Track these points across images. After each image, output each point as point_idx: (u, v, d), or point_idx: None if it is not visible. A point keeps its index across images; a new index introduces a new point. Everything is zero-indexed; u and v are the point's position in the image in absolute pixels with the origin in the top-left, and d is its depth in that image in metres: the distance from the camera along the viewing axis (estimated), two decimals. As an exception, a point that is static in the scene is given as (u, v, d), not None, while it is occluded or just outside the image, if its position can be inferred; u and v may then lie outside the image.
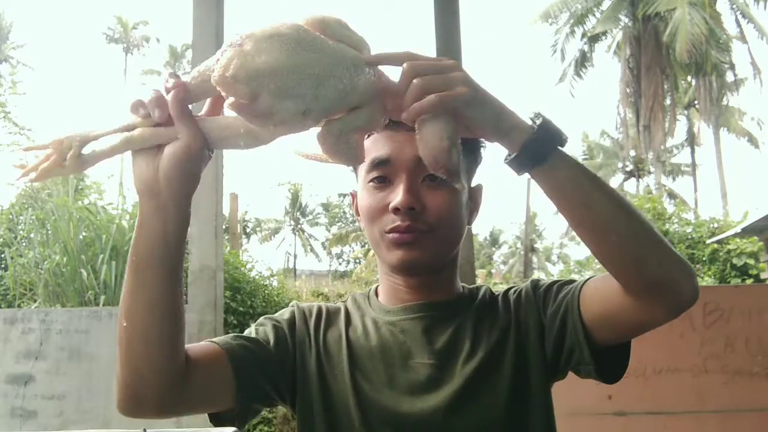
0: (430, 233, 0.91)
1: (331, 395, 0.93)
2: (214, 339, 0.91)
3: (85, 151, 0.74)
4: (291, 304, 1.05)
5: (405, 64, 0.72)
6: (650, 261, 0.77)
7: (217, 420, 0.91)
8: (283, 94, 0.65)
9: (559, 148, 0.77)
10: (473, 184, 1.00)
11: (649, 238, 0.78)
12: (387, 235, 0.93)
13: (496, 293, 1.02)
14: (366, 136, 0.88)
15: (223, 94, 0.66)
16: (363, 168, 0.96)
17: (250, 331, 0.96)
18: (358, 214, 1.01)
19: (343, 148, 0.72)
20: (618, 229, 0.77)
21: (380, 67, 0.75)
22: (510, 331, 0.94)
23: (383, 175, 0.93)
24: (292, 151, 0.92)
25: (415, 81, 0.70)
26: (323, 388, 0.93)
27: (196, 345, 0.87)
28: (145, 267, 0.75)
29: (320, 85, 0.67)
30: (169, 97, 0.72)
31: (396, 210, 0.90)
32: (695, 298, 0.80)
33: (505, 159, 0.78)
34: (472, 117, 0.73)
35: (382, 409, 0.90)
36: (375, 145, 0.94)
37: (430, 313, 0.96)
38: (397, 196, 0.91)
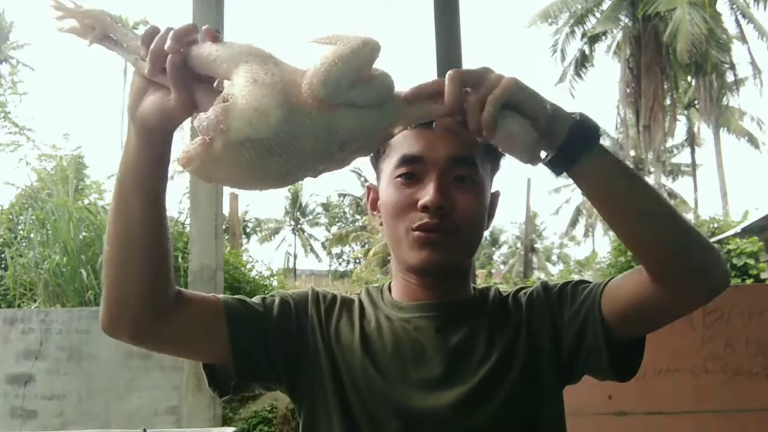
0: (455, 234, 0.91)
1: (342, 385, 0.93)
2: (218, 294, 0.93)
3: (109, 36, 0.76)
4: (308, 287, 1.05)
5: (447, 76, 0.72)
6: (691, 248, 0.78)
7: (212, 376, 0.92)
8: (244, 190, 0.69)
9: (591, 147, 0.77)
10: (493, 190, 1.01)
11: (685, 226, 0.79)
12: (413, 233, 0.92)
13: (505, 293, 1.02)
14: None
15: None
16: (390, 163, 0.96)
17: (257, 300, 0.97)
18: (373, 209, 1.01)
19: (347, 161, 0.73)
20: (662, 220, 0.78)
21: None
22: (521, 334, 0.94)
23: (412, 171, 0.93)
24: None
25: (464, 89, 0.72)
26: (335, 377, 0.93)
27: (197, 291, 0.91)
28: (124, 188, 0.78)
29: (288, 176, 0.68)
30: (168, 61, 0.71)
31: (425, 208, 0.90)
32: (728, 282, 0.82)
33: (550, 159, 0.77)
34: (526, 105, 0.73)
35: (394, 402, 0.90)
36: (406, 141, 0.93)
37: (443, 312, 0.96)
38: (427, 194, 0.90)
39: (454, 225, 0.91)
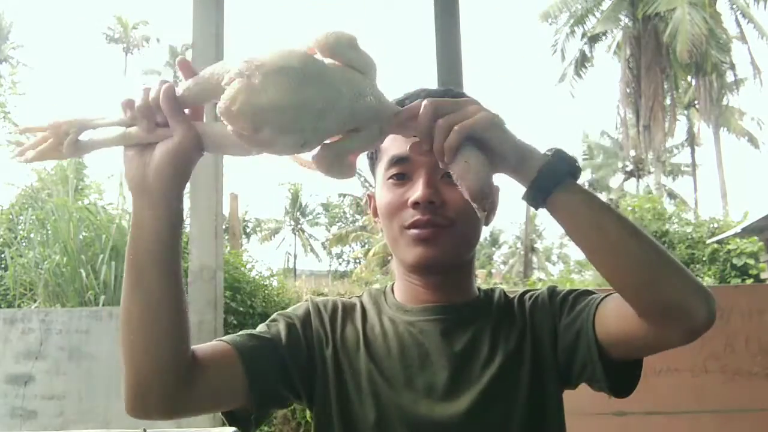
0: (449, 228, 0.92)
1: (347, 392, 0.92)
2: (224, 338, 0.90)
3: (83, 137, 0.75)
4: (305, 298, 1.04)
5: (425, 101, 0.75)
6: (662, 284, 0.77)
7: (232, 419, 0.90)
8: (284, 130, 0.67)
9: (572, 176, 0.79)
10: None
11: (661, 261, 0.78)
12: (407, 231, 0.93)
13: (511, 295, 1.02)
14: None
15: (225, 124, 0.68)
16: (382, 166, 0.97)
17: (262, 329, 0.95)
18: (375, 215, 1.01)
19: (336, 168, 0.75)
20: (630, 252, 0.78)
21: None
22: (526, 338, 0.94)
23: (402, 172, 0.94)
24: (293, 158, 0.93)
25: (435, 118, 0.74)
26: (339, 385, 0.93)
27: (205, 345, 0.87)
28: (141, 265, 0.76)
29: (320, 119, 0.69)
30: (160, 96, 0.73)
31: (416, 204, 0.91)
32: (710, 323, 0.79)
33: (524, 195, 0.80)
34: (496, 141, 0.76)
35: (400, 409, 0.90)
36: (394, 143, 0.95)
37: (448, 316, 0.96)
38: (417, 190, 0.91)
39: (446, 219, 0.91)
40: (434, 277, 0.96)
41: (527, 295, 1.00)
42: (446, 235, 0.92)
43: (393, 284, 1.05)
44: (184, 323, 0.79)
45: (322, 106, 0.68)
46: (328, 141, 0.74)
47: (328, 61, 0.72)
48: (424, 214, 0.91)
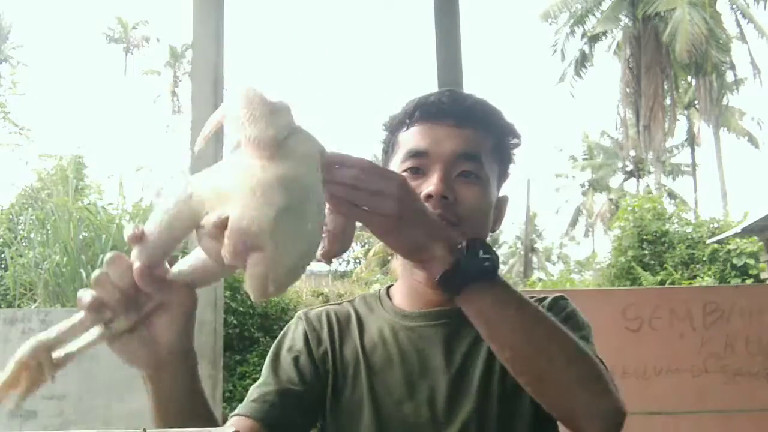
0: (458, 226, 0.91)
1: (348, 407, 0.92)
2: (240, 411, 0.89)
3: (57, 354, 0.66)
4: (297, 315, 1.02)
5: (363, 167, 0.72)
6: (557, 398, 0.78)
7: None
8: (290, 274, 0.62)
9: (485, 274, 0.77)
10: (500, 194, 1.02)
11: (565, 378, 0.77)
12: None
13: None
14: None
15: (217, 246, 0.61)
16: (397, 159, 0.97)
17: (269, 378, 0.94)
18: None
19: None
20: (531, 365, 0.77)
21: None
22: None
23: (418, 166, 0.94)
24: None
25: (355, 178, 0.71)
26: (340, 400, 0.93)
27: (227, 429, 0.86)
28: (174, 412, 0.73)
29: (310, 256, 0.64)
30: (138, 281, 0.65)
31: (428, 197, 0.90)
32: (617, 424, 0.80)
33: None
34: (387, 241, 0.75)
35: (402, 420, 0.90)
36: (413, 137, 0.96)
37: (450, 320, 0.95)
38: (431, 184, 0.91)
39: (456, 217, 0.91)
40: None
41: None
42: None
43: (388, 287, 1.04)
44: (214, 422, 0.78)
45: (319, 219, 0.65)
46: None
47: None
48: (435, 207, 0.90)
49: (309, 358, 0.95)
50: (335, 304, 1.05)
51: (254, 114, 0.63)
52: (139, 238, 0.64)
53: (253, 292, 0.61)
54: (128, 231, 0.65)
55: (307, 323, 1.00)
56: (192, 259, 0.69)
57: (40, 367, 0.65)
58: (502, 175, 1.01)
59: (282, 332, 1.01)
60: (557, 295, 1.01)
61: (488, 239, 0.97)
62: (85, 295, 0.65)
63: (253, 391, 0.92)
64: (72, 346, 0.66)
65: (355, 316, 1.00)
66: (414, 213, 0.74)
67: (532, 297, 1.00)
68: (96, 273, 0.66)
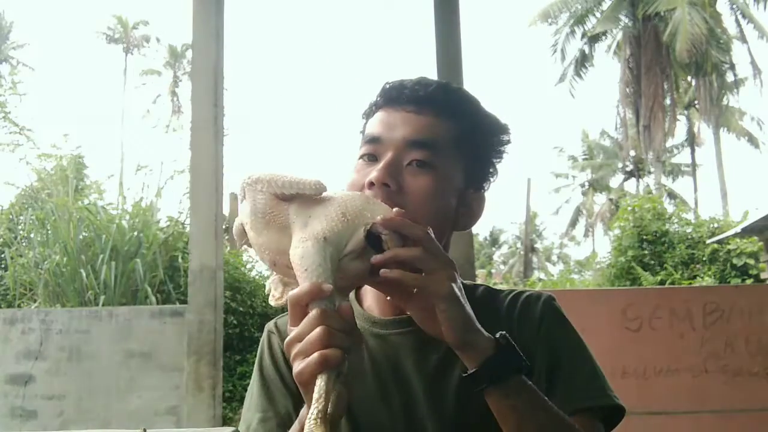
0: None
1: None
2: None
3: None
4: (267, 327, 0.99)
5: (421, 233, 0.73)
6: None
7: None
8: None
9: (517, 374, 0.76)
10: (476, 191, 0.95)
11: None
12: None
13: (501, 293, 0.97)
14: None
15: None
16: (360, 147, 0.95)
17: (266, 408, 0.92)
18: None
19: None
20: None
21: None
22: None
23: (373, 152, 0.90)
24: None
25: (421, 245, 0.72)
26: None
27: None
28: None
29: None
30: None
31: (370, 185, 0.85)
32: None
33: (463, 373, 0.77)
34: (445, 309, 0.72)
35: (379, 428, 0.88)
36: (372, 123, 0.92)
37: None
38: (374, 171, 0.86)
39: (401, 207, 0.81)
40: None
41: (521, 300, 0.95)
42: None
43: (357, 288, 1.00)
44: None
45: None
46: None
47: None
48: (376, 196, 0.84)
49: (291, 374, 0.94)
50: None
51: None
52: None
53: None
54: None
55: (280, 337, 0.96)
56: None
57: None
58: (477, 171, 0.94)
59: (259, 351, 0.98)
60: (548, 295, 0.96)
61: (449, 232, 0.92)
62: None
63: (257, 426, 0.90)
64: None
65: None
66: (462, 290, 0.74)
67: (511, 291, 0.97)
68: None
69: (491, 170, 0.96)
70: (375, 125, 0.91)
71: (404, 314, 0.91)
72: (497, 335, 0.76)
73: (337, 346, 0.65)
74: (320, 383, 0.64)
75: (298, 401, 0.89)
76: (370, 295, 0.97)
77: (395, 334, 0.92)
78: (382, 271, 0.71)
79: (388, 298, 0.74)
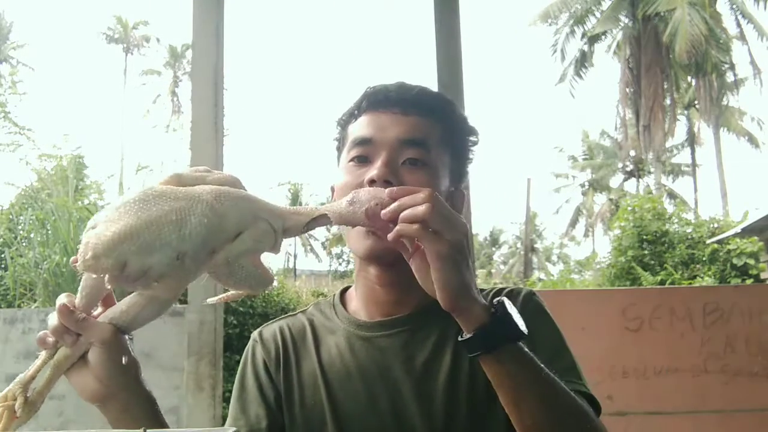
0: None
1: (304, 427, 0.90)
2: None
3: (29, 393, 0.74)
4: (253, 336, 1.00)
5: (427, 194, 0.72)
6: None
7: None
8: (147, 251, 0.64)
9: (512, 343, 0.75)
10: (456, 190, 0.97)
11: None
12: None
13: (483, 291, 0.94)
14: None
15: (93, 277, 0.67)
16: (345, 151, 0.95)
17: (238, 416, 0.93)
18: None
19: (240, 273, 0.72)
20: (542, 428, 0.76)
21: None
22: None
23: (364, 154, 0.91)
24: (208, 300, 0.91)
25: (426, 202, 0.70)
26: (302, 421, 0.91)
27: None
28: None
29: (182, 226, 0.66)
30: (59, 318, 0.72)
31: (372, 182, 0.87)
32: None
33: (459, 337, 0.76)
34: (439, 269, 0.71)
35: (365, 430, 0.88)
36: (359, 126, 0.94)
37: (406, 328, 0.92)
38: (374, 169, 0.88)
39: None
40: (388, 271, 0.92)
41: (504, 293, 0.95)
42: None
43: (343, 291, 1.01)
44: None
45: (175, 217, 0.66)
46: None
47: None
48: None
49: (271, 384, 0.94)
50: (289, 316, 1.02)
51: None
52: (66, 309, 0.73)
53: (77, 258, 0.65)
54: (60, 301, 0.74)
55: (263, 346, 0.97)
56: (120, 305, 0.75)
57: (14, 403, 0.72)
58: (457, 169, 0.97)
59: (243, 358, 0.99)
60: (528, 290, 0.97)
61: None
62: (40, 333, 0.74)
63: None
64: (38, 382, 0.74)
65: (310, 328, 0.98)
66: (467, 257, 0.73)
67: (492, 290, 0.98)
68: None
69: (466, 169, 1.00)
70: (363, 128, 0.93)
71: (390, 317, 0.93)
72: (494, 301, 0.76)
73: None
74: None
75: (272, 411, 0.92)
76: (356, 299, 0.98)
77: (381, 336, 0.93)
78: (383, 214, 0.72)
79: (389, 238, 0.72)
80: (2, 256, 7.68)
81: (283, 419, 0.92)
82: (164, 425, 0.79)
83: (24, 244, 7.43)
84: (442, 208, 0.71)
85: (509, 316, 0.75)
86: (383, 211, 0.72)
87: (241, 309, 7.71)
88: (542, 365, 0.76)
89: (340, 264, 28.74)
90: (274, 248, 0.74)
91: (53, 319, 0.73)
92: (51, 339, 0.74)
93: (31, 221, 7.51)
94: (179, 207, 0.66)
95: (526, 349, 0.76)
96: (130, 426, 0.75)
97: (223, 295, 0.82)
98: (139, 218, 0.64)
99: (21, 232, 7.86)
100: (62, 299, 0.73)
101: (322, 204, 0.77)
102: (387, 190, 0.73)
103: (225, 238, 0.69)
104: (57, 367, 0.74)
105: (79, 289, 0.74)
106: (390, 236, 0.71)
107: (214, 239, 0.68)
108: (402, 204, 0.71)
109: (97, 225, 0.65)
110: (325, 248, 30.05)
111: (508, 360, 0.74)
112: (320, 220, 0.76)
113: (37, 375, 0.75)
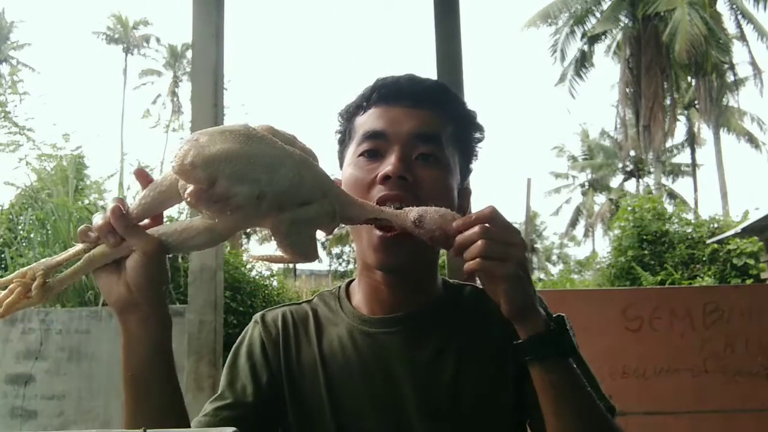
0: None
1: (307, 418, 0.89)
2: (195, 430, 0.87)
3: (50, 279, 0.75)
4: (254, 318, 0.99)
5: (488, 212, 0.74)
6: None
7: None
8: (239, 178, 0.67)
9: (560, 357, 0.77)
10: (465, 185, 0.97)
11: None
12: (374, 232, 0.87)
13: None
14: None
15: (181, 183, 0.68)
16: (353, 145, 0.93)
17: (224, 388, 0.91)
18: None
19: (294, 238, 0.74)
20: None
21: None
22: (507, 348, 0.83)
23: (375, 148, 0.89)
24: (248, 256, 0.92)
25: (482, 238, 0.73)
26: (298, 412, 0.89)
27: None
28: (142, 379, 0.75)
29: (273, 171, 0.69)
30: (110, 218, 0.72)
31: (386, 178, 0.85)
32: None
33: (514, 347, 0.79)
34: (505, 289, 0.74)
35: (363, 426, 0.87)
36: (369, 119, 0.91)
37: (408, 327, 0.91)
38: (389, 165, 0.86)
39: (417, 199, 0.83)
40: (395, 277, 0.91)
41: None
42: (410, 237, 0.80)
43: (348, 283, 1.00)
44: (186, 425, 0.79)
45: (271, 161, 0.69)
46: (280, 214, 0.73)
47: None
48: (393, 189, 0.84)
49: (266, 365, 0.92)
50: (294, 304, 1.01)
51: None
52: (143, 174, 0.75)
53: (174, 159, 0.67)
54: (136, 170, 0.77)
55: (264, 328, 0.96)
56: (175, 225, 0.77)
57: (31, 283, 0.73)
58: (465, 166, 0.96)
59: (240, 337, 0.98)
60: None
61: None
62: (83, 227, 0.74)
63: (208, 406, 0.89)
64: (65, 273, 0.75)
65: (313, 318, 0.96)
66: (528, 273, 0.76)
67: None
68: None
69: (471, 166, 0.98)
70: (374, 121, 0.90)
71: (393, 313, 0.92)
72: (554, 316, 0.79)
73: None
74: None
75: (261, 390, 0.91)
76: (359, 293, 0.97)
77: (384, 333, 0.91)
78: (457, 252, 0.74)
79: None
80: (2, 256, 7.68)
81: (275, 401, 0.90)
82: (170, 354, 0.78)
83: (24, 244, 7.43)
84: (498, 234, 0.73)
85: (565, 332, 0.77)
86: (465, 254, 0.74)
87: (241, 309, 7.71)
88: (585, 383, 0.78)
89: (340, 264, 28.74)
90: (328, 229, 0.77)
91: (99, 218, 0.73)
92: (93, 234, 0.74)
93: (31, 221, 7.50)
94: (275, 154, 0.69)
95: (574, 365, 0.77)
96: (142, 337, 0.75)
97: (269, 254, 0.84)
98: (242, 148, 0.67)
99: (21, 232, 7.86)
100: (115, 201, 0.73)
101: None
102: (454, 223, 0.75)
103: (296, 200, 0.72)
104: (90, 262, 0.75)
105: (139, 197, 0.75)
106: (466, 269, 0.73)
107: (290, 197, 0.71)
108: (462, 244, 0.74)
109: (200, 139, 0.67)
110: (324, 248, 30.04)
111: (553, 370, 0.76)
112: (381, 222, 0.79)
113: (63, 263, 0.75)
